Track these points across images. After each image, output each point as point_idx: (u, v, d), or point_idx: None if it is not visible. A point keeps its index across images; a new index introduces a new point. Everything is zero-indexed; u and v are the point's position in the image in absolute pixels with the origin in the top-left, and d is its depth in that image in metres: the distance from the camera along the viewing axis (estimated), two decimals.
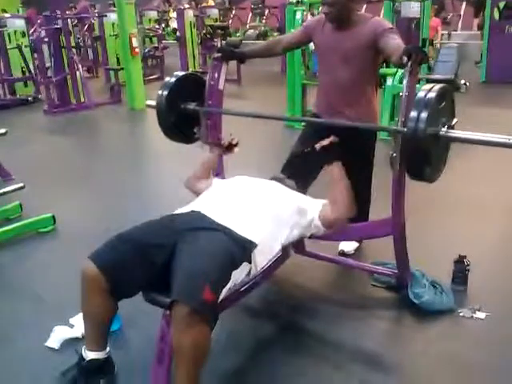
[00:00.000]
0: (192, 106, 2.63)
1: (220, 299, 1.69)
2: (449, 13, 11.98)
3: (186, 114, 2.64)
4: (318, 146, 2.08)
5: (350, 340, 2.20)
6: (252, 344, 2.22)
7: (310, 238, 2.35)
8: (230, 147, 2.44)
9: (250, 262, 1.83)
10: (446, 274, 2.51)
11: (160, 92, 2.60)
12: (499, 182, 4.00)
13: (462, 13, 11.92)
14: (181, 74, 2.68)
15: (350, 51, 2.45)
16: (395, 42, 2.29)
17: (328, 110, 2.60)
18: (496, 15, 7.86)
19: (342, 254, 2.84)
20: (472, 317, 2.27)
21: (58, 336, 2.23)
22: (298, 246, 2.52)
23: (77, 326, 2.26)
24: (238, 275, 1.79)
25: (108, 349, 1.93)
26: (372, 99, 2.60)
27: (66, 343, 2.21)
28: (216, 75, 2.67)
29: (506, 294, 2.50)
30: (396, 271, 2.45)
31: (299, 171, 2.56)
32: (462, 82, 6.04)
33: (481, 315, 2.27)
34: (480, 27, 10.26)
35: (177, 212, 2.04)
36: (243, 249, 1.82)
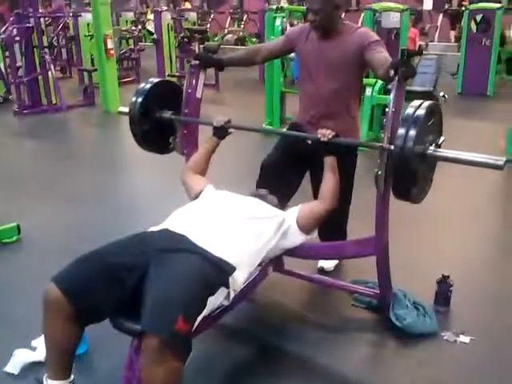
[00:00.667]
0: (168, 114, 2.51)
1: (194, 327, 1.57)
2: (426, 24, 12.12)
3: (161, 123, 2.52)
4: (320, 133, 2.06)
5: (330, 364, 2.10)
6: (226, 367, 2.10)
7: (289, 255, 2.27)
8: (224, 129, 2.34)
9: (228, 287, 1.72)
10: (428, 293, 2.44)
11: (133, 99, 2.47)
12: (484, 199, 3.95)
13: (438, 24, 12.07)
14: (156, 80, 2.56)
15: (335, 61, 2.37)
16: (382, 56, 2.22)
17: (311, 120, 2.51)
18: (473, 27, 7.93)
19: (322, 270, 2.75)
20: (456, 341, 2.19)
21: (18, 360, 2.07)
22: (276, 264, 2.41)
23: (39, 348, 2.10)
24: (215, 301, 1.68)
25: (72, 376, 1.79)
26: (355, 113, 2.52)
27: (27, 368, 2.06)
28: (193, 83, 2.56)
29: (491, 317, 2.43)
30: (377, 291, 2.36)
31: (276, 182, 2.44)
32: (441, 94, 6.04)
33: (465, 339, 2.20)
34: (457, 39, 10.38)
35: (151, 229, 1.91)
36: (221, 272, 1.71)
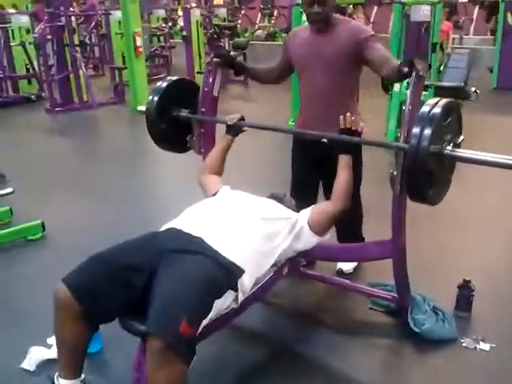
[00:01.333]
0: (185, 113, 2.49)
1: (200, 329, 1.55)
2: (461, 16, 11.75)
3: (178, 122, 2.50)
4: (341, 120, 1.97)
5: (343, 369, 2.06)
6: (236, 370, 2.08)
7: (304, 256, 2.23)
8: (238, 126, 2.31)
9: (236, 290, 1.69)
10: (449, 298, 2.36)
11: (150, 97, 2.47)
12: (506, 200, 3.78)
13: (474, 17, 11.69)
14: (173, 78, 2.55)
15: (329, 54, 2.33)
16: (382, 54, 2.19)
17: (307, 122, 2.44)
18: (509, 19, 7.65)
19: (341, 272, 2.69)
20: (476, 348, 2.11)
21: (34, 357, 2.11)
22: (292, 265, 2.37)
23: (54, 346, 2.12)
24: (221, 304, 1.65)
25: (83, 376, 1.80)
26: (353, 111, 2.43)
27: (42, 365, 2.09)
28: (210, 81, 2.53)
29: None
30: (396, 295, 2.30)
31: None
32: (473, 89, 5.82)
33: (485, 346, 2.12)
34: (492, 32, 10.05)
35: (162, 229, 1.90)
36: (229, 275, 1.68)
